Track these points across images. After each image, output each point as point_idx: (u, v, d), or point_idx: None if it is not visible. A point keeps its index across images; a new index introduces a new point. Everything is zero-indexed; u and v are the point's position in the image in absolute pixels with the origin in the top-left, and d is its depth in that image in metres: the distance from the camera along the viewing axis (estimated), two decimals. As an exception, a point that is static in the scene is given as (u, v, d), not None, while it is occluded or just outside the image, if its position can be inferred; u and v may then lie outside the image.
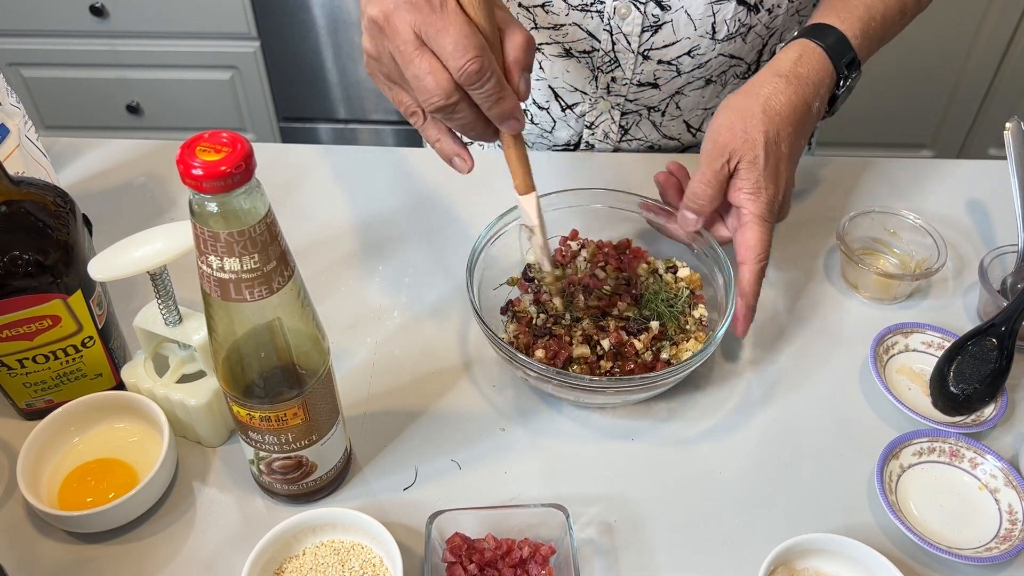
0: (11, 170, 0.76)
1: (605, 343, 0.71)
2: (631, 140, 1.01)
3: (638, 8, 0.86)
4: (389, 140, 2.22)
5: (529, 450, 0.71)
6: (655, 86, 0.93)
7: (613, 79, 0.93)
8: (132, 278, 0.63)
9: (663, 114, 0.97)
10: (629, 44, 0.88)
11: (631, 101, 0.95)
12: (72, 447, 0.68)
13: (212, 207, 0.49)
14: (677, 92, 0.94)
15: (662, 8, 0.85)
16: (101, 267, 0.62)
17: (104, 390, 0.71)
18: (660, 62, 0.90)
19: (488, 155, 0.89)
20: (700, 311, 0.76)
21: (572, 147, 1.04)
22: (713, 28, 0.87)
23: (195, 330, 0.66)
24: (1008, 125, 0.84)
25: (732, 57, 0.91)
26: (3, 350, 0.65)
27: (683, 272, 0.78)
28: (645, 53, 0.89)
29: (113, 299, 0.73)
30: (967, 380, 0.71)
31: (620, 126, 0.99)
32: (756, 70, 0.95)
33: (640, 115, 0.97)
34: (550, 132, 1.03)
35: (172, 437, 0.66)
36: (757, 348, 0.79)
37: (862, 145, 2.19)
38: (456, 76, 0.58)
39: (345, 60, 2.05)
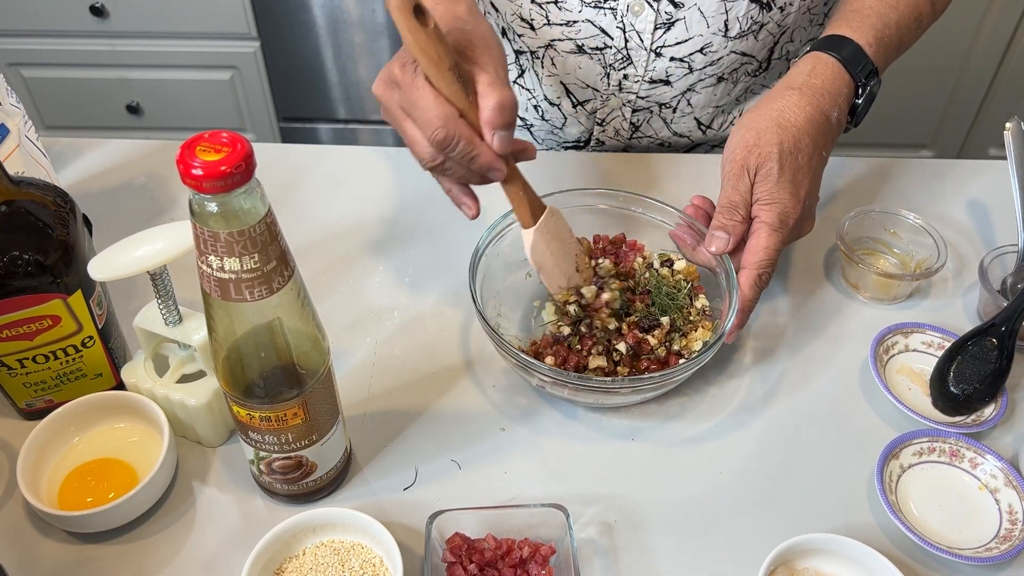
0: (11, 170, 0.76)
1: (621, 346, 0.71)
2: (641, 137, 1.01)
3: (651, 5, 0.86)
4: (389, 140, 2.22)
5: (529, 450, 0.71)
6: (667, 83, 0.93)
7: (625, 76, 0.93)
8: (132, 278, 0.63)
9: (674, 111, 0.97)
10: (642, 41, 0.89)
11: (642, 98, 0.95)
12: (72, 447, 0.68)
13: (212, 207, 0.49)
14: (689, 89, 0.94)
15: (675, 5, 0.85)
16: (101, 267, 0.62)
17: (104, 390, 0.71)
18: (672, 59, 0.90)
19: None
20: (702, 301, 0.76)
21: (582, 144, 1.04)
22: (726, 25, 0.87)
23: (195, 330, 0.66)
24: (1008, 125, 0.84)
25: (744, 55, 0.91)
26: (3, 350, 0.65)
27: (679, 265, 0.78)
28: (658, 50, 0.89)
29: (113, 299, 0.73)
30: (967, 380, 0.71)
31: (631, 123, 0.99)
32: (767, 68, 0.95)
33: (651, 112, 0.97)
34: (560, 129, 1.03)
35: (172, 437, 0.66)
36: (757, 348, 0.79)
37: (862, 145, 2.19)
38: (430, 143, 0.64)
39: (345, 60, 2.05)
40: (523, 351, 0.71)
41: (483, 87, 0.63)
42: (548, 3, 0.89)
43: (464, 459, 0.70)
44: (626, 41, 0.89)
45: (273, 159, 0.97)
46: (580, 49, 0.92)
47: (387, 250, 0.87)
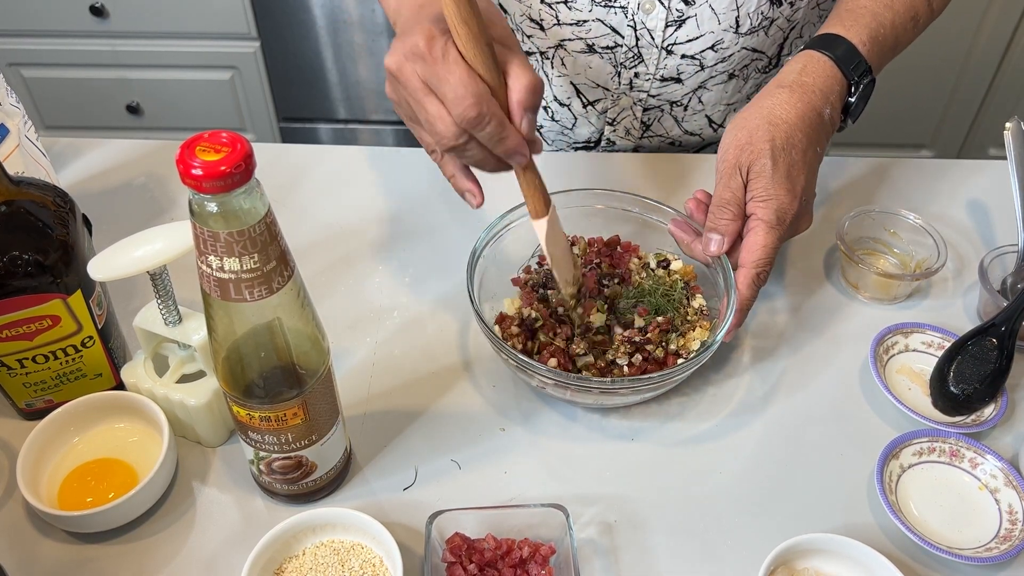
0: (11, 170, 0.76)
1: (621, 359, 0.71)
2: (652, 136, 1.00)
3: (662, 3, 0.86)
4: (389, 140, 2.22)
5: (529, 450, 0.71)
6: (678, 81, 0.93)
7: (636, 74, 0.93)
8: (132, 278, 0.63)
9: (685, 108, 0.97)
10: (653, 39, 0.88)
11: (653, 96, 0.95)
12: (72, 447, 0.68)
13: (212, 207, 0.49)
14: (700, 87, 0.94)
15: (686, 3, 0.85)
16: (101, 267, 0.62)
17: (104, 390, 0.70)
18: (684, 57, 0.90)
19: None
20: (699, 301, 0.76)
21: (593, 144, 1.04)
22: (737, 22, 0.87)
23: (195, 330, 0.66)
24: (1008, 125, 0.84)
25: (754, 51, 0.91)
26: (3, 350, 0.65)
27: (676, 265, 0.78)
28: (669, 48, 0.89)
29: (113, 299, 0.73)
30: (967, 380, 0.71)
31: (642, 122, 0.98)
32: (777, 64, 0.95)
33: (662, 110, 0.97)
34: (571, 129, 1.03)
35: (172, 437, 0.66)
36: (757, 348, 0.79)
37: (862, 145, 2.19)
38: (457, 121, 0.61)
39: (345, 60, 2.05)
40: (520, 351, 0.71)
41: (515, 67, 0.62)
42: (558, 3, 0.89)
43: (464, 459, 0.70)
44: (637, 39, 0.89)
45: (273, 159, 0.97)
46: (591, 48, 0.92)
47: (387, 250, 0.87)
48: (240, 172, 0.48)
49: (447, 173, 0.69)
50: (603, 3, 0.87)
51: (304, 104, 2.15)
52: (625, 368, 0.71)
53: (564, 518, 0.61)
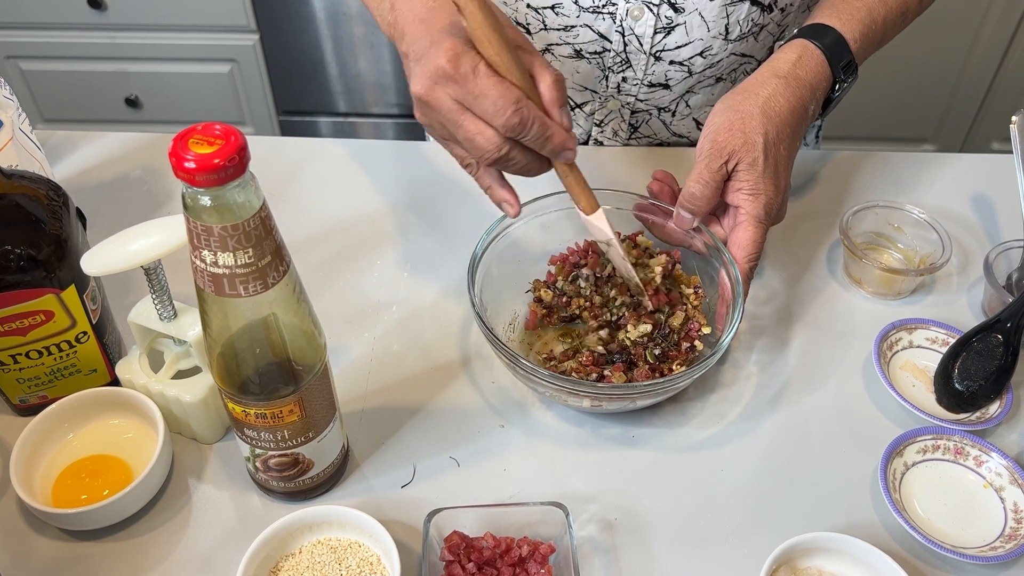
0: (5, 163, 0.75)
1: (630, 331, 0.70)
2: (640, 138, 1.00)
3: (651, 10, 0.85)
4: (389, 133, 2.21)
5: (528, 447, 0.70)
6: (666, 87, 0.92)
7: (624, 79, 0.92)
8: (128, 273, 0.62)
9: (673, 114, 0.97)
10: (641, 45, 0.88)
11: (641, 101, 0.94)
12: (66, 443, 0.67)
13: (205, 200, 0.48)
14: (688, 91, 0.94)
15: (676, 10, 0.84)
16: (95, 262, 0.61)
17: (98, 386, 0.70)
18: (672, 63, 0.89)
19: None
20: (695, 281, 0.76)
21: (581, 144, 1.03)
22: (727, 29, 0.86)
23: (190, 325, 0.66)
24: (1014, 119, 0.83)
25: (744, 55, 0.90)
26: (-4, 345, 0.65)
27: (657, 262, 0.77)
28: (657, 54, 0.88)
29: (108, 294, 0.73)
30: (972, 377, 0.71)
31: (630, 124, 0.98)
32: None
33: (650, 114, 0.97)
34: None
35: (167, 434, 0.66)
36: (759, 344, 0.78)
37: (864, 139, 2.18)
38: (502, 131, 0.61)
39: (345, 53, 2.04)
40: (524, 357, 0.70)
41: (537, 66, 0.62)
42: (544, 8, 0.88)
43: (463, 456, 0.69)
44: (625, 45, 0.88)
45: (270, 152, 0.97)
46: (578, 54, 0.91)
47: (385, 245, 0.86)
48: (234, 165, 0.47)
49: (484, 185, 0.69)
50: (591, 9, 0.86)
51: (304, 97, 2.15)
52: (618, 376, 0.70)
53: (564, 516, 0.61)
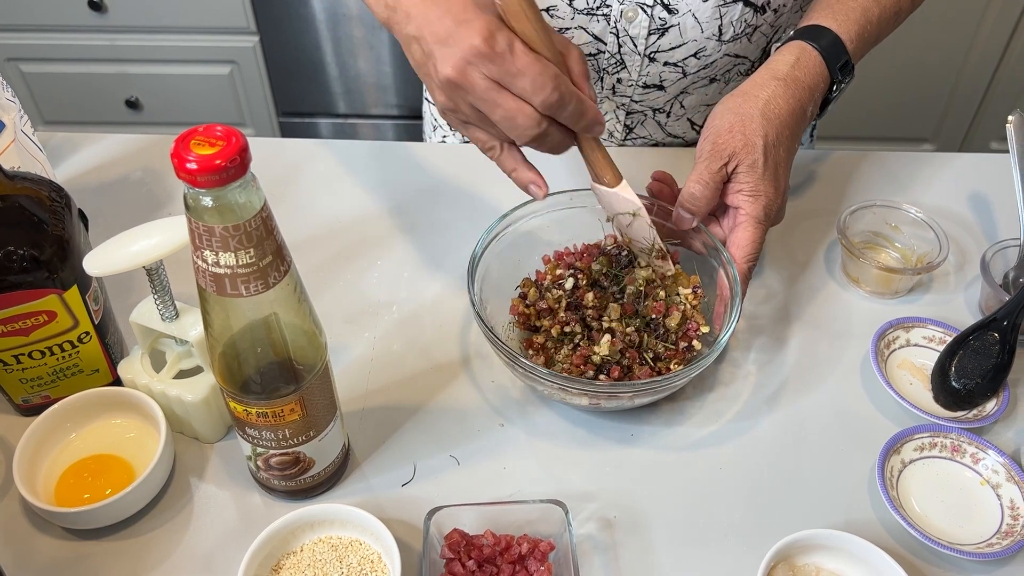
0: (7, 165, 0.76)
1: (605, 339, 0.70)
2: (636, 138, 1.00)
3: (645, 11, 0.85)
4: (389, 134, 2.22)
5: (528, 446, 0.71)
6: (660, 88, 0.93)
7: (619, 80, 0.92)
8: (130, 273, 0.62)
9: (668, 115, 0.97)
10: (636, 47, 0.88)
11: (636, 102, 0.95)
12: (69, 443, 0.68)
13: (207, 201, 0.48)
14: (682, 92, 0.94)
15: (669, 11, 0.85)
16: (97, 262, 0.61)
17: (101, 386, 0.70)
18: (666, 64, 0.90)
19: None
20: (693, 280, 0.76)
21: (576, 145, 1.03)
22: (720, 30, 0.86)
23: (192, 325, 0.66)
24: (1011, 118, 0.83)
25: (737, 56, 0.91)
26: (-1, 346, 0.65)
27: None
28: (651, 55, 0.89)
29: (110, 294, 0.73)
30: (969, 375, 0.71)
31: (625, 125, 0.98)
32: (759, 67, 0.94)
33: (645, 115, 0.97)
34: None
35: (169, 433, 0.66)
36: (757, 343, 0.78)
37: (864, 139, 2.19)
38: (541, 109, 0.61)
39: (345, 54, 2.05)
40: (523, 356, 0.70)
41: (561, 44, 0.63)
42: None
43: (463, 455, 0.70)
44: (619, 47, 0.88)
45: (271, 154, 0.97)
46: None
47: (386, 245, 0.87)
48: (235, 166, 0.47)
49: (508, 168, 0.68)
50: (585, 11, 0.86)
51: (304, 99, 2.15)
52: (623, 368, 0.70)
53: (563, 514, 0.61)
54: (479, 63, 0.59)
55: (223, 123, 0.49)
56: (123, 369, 0.69)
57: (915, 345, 0.77)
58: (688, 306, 0.74)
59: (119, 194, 0.92)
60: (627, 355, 0.71)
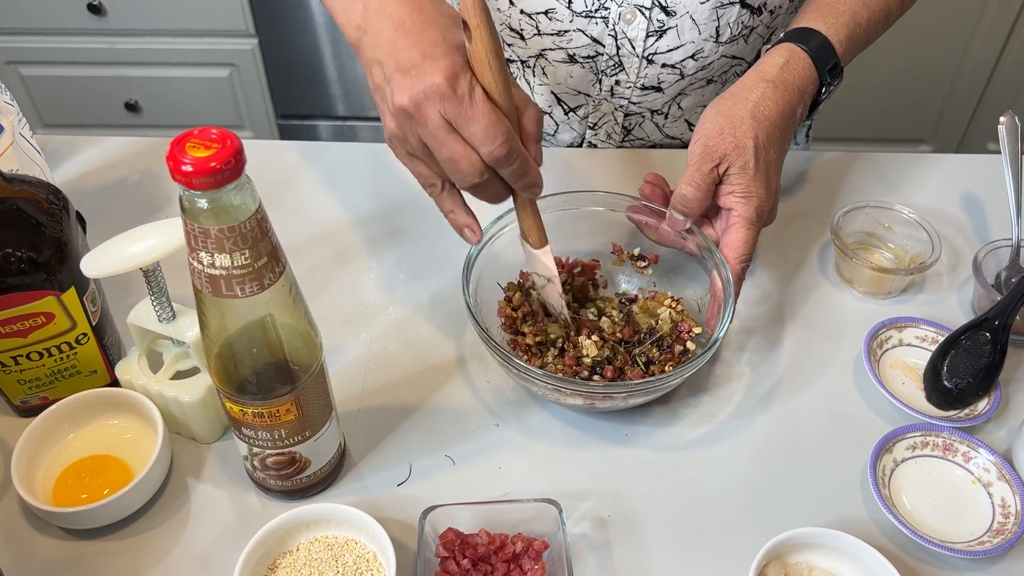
0: (5, 167, 0.76)
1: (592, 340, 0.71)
2: (634, 140, 1.01)
3: (643, 13, 0.86)
4: (387, 137, 2.22)
5: (523, 445, 0.71)
6: (658, 89, 0.93)
7: (617, 82, 0.93)
8: (127, 275, 0.63)
9: (666, 116, 0.98)
10: (634, 49, 0.89)
11: (634, 104, 0.95)
12: (67, 444, 0.68)
13: (202, 203, 0.49)
14: (679, 94, 0.95)
15: (667, 14, 0.85)
16: (94, 264, 0.62)
17: (98, 387, 0.71)
18: (664, 66, 0.90)
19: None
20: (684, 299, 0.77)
21: (575, 147, 1.04)
22: (717, 32, 0.87)
23: (189, 326, 0.66)
24: (1002, 119, 0.84)
25: (734, 57, 0.91)
26: (-3, 347, 0.66)
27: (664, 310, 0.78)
28: (649, 57, 0.89)
29: (108, 296, 0.73)
30: (960, 374, 0.72)
31: (623, 127, 0.99)
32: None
33: (643, 117, 0.98)
34: (552, 135, 1.03)
35: (166, 433, 0.66)
36: (750, 343, 0.79)
37: (861, 140, 2.19)
38: (487, 159, 0.61)
39: (344, 57, 2.05)
40: (517, 357, 0.71)
41: (521, 99, 0.63)
42: (538, 13, 0.88)
43: (458, 455, 0.70)
44: (618, 48, 0.89)
45: (270, 156, 0.97)
46: (572, 58, 0.92)
47: (382, 247, 0.87)
48: (230, 168, 0.48)
49: (446, 209, 0.68)
50: (584, 13, 0.87)
51: (303, 101, 2.16)
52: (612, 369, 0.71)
53: (557, 513, 0.61)
54: (437, 100, 0.59)
55: (222, 126, 0.50)
56: (121, 370, 0.70)
57: (908, 345, 0.77)
58: (673, 312, 0.75)
59: (117, 196, 0.93)
60: (620, 356, 0.72)
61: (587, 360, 0.71)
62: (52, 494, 0.65)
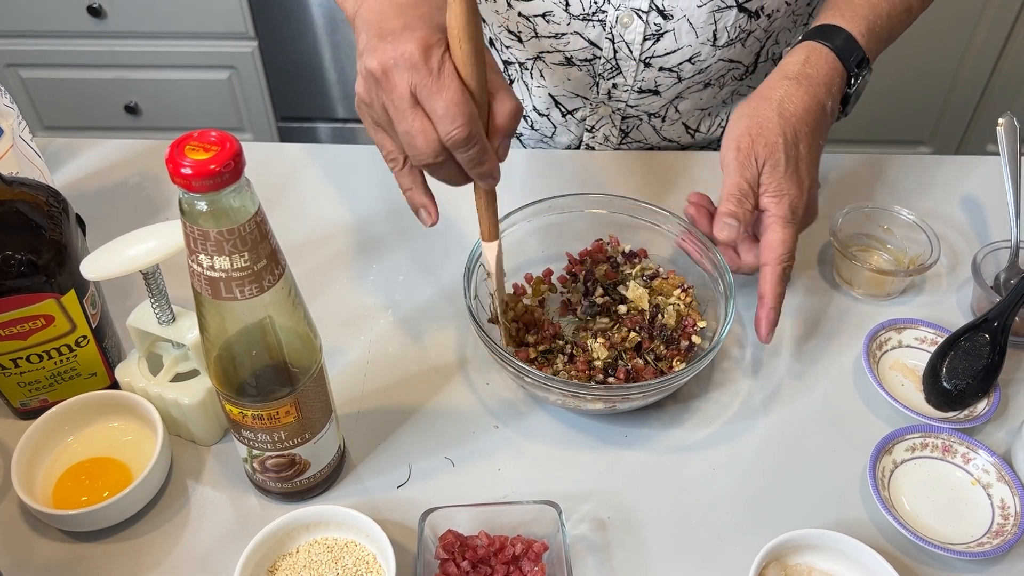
0: (5, 170, 0.76)
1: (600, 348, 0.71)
2: (631, 143, 1.01)
3: (640, 17, 0.86)
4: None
5: (522, 447, 0.71)
6: (656, 93, 0.93)
7: (614, 85, 0.93)
8: (127, 277, 0.63)
9: (663, 119, 0.98)
10: (631, 52, 0.89)
11: (632, 107, 0.95)
12: (66, 446, 0.68)
13: (202, 205, 0.49)
14: (677, 97, 0.95)
15: (664, 17, 0.85)
16: (94, 266, 0.62)
17: (98, 389, 0.71)
18: (661, 69, 0.90)
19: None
20: (689, 295, 0.77)
21: (572, 149, 1.04)
22: (714, 35, 0.87)
23: (188, 329, 0.67)
24: (1001, 121, 0.84)
25: (731, 61, 0.91)
26: (-3, 350, 0.66)
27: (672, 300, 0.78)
28: (647, 61, 0.89)
29: (108, 298, 0.73)
30: (960, 375, 0.72)
31: (620, 129, 0.99)
32: (754, 71, 0.95)
33: (640, 119, 0.98)
34: (550, 137, 1.03)
35: (166, 436, 0.66)
36: (750, 344, 0.79)
37: (860, 142, 2.19)
38: (444, 140, 0.59)
39: (343, 59, 2.05)
40: (516, 355, 0.71)
41: (501, 91, 0.61)
42: (535, 16, 0.89)
43: (458, 457, 0.70)
44: (615, 52, 0.89)
45: (269, 158, 0.98)
46: (569, 61, 0.92)
47: (381, 248, 0.87)
48: (229, 171, 0.48)
49: (404, 185, 0.67)
50: (581, 16, 0.87)
51: (302, 103, 2.16)
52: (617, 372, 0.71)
53: (556, 515, 0.61)
54: (406, 68, 0.58)
55: (222, 128, 0.50)
56: (120, 372, 0.70)
57: (907, 346, 0.77)
58: (681, 305, 0.75)
59: (117, 199, 0.93)
60: (626, 356, 0.72)
61: (598, 364, 0.71)
62: (52, 496, 0.65)
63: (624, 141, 1.01)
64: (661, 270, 0.79)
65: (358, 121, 2.18)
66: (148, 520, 0.66)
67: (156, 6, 1.94)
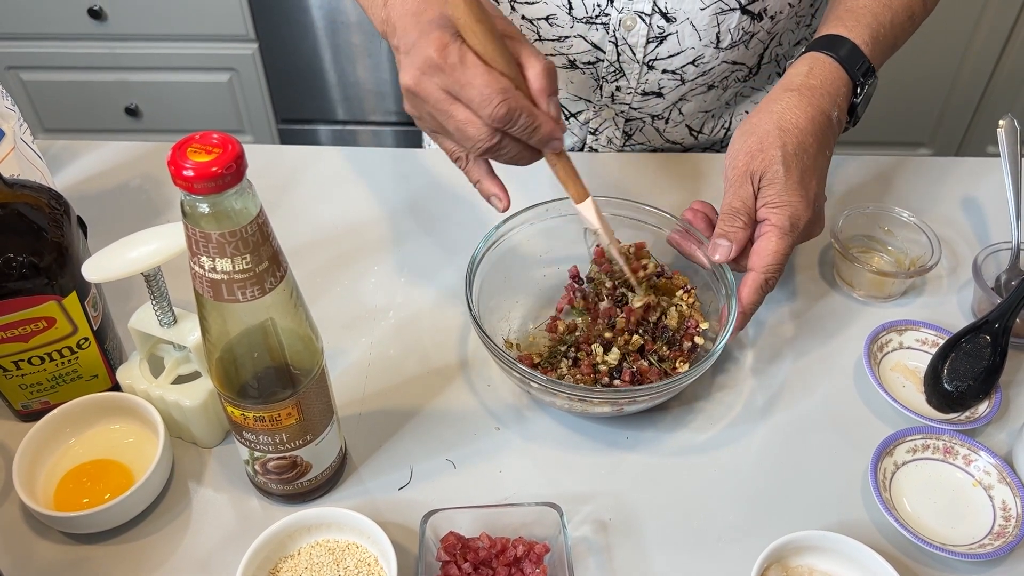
0: (7, 173, 0.76)
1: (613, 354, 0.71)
2: (635, 145, 1.01)
3: (643, 20, 0.86)
4: (388, 141, 2.22)
5: (524, 449, 0.71)
6: (659, 95, 0.93)
7: (618, 88, 0.93)
8: (128, 279, 0.63)
9: (666, 121, 0.98)
10: (634, 55, 0.89)
11: (635, 109, 0.95)
12: (68, 448, 0.68)
13: (203, 208, 0.49)
14: (680, 99, 0.95)
15: (667, 20, 0.85)
16: (95, 269, 0.62)
17: (100, 391, 0.71)
18: (665, 71, 0.90)
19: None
20: (691, 297, 0.76)
21: (576, 151, 1.04)
22: (718, 38, 0.87)
23: (190, 331, 0.67)
24: (1002, 122, 0.84)
25: (735, 63, 0.91)
26: (-1, 352, 0.66)
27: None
28: (650, 63, 0.89)
29: (109, 300, 0.74)
30: (961, 377, 0.72)
31: (624, 132, 0.99)
32: (757, 73, 0.95)
33: (644, 122, 0.98)
34: None
35: (167, 438, 0.66)
36: (751, 345, 0.79)
37: (861, 144, 2.19)
38: (488, 121, 0.61)
39: (344, 61, 2.05)
40: (520, 360, 0.71)
41: (526, 56, 0.62)
42: (539, 19, 0.89)
43: (459, 458, 0.70)
44: (618, 55, 0.89)
45: (270, 160, 0.98)
46: (572, 64, 0.92)
47: (383, 250, 0.87)
48: (231, 173, 0.48)
49: (473, 179, 0.69)
50: (585, 20, 0.87)
51: (303, 105, 2.16)
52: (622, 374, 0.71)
53: (558, 517, 0.61)
54: (431, 73, 0.61)
55: (222, 130, 0.50)
56: (122, 374, 0.70)
57: (908, 348, 0.77)
58: (684, 305, 0.75)
59: (118, 201, 0.93)
60: (630, 358, 0.72)
61: (603, 367, 0.71)
62: (53, 498, 0.65)
63: (627, 143, 1.01)
64: (667, 268, 0.79)
65: (358, 123, 2.19)
66: (149, 522, 0.66)
67: (156, 8, 1.95)
